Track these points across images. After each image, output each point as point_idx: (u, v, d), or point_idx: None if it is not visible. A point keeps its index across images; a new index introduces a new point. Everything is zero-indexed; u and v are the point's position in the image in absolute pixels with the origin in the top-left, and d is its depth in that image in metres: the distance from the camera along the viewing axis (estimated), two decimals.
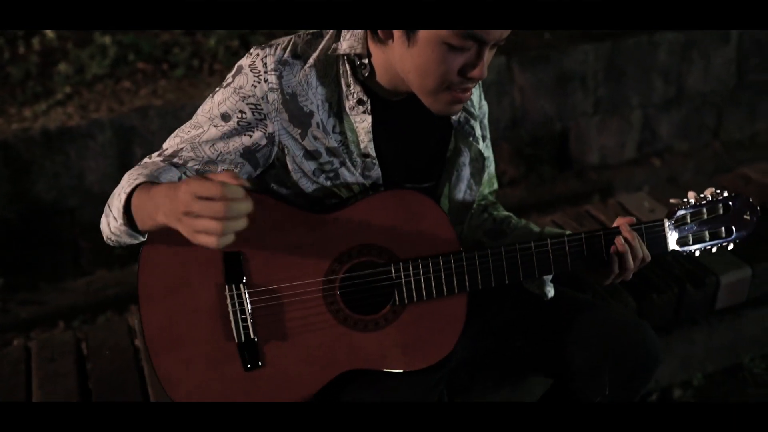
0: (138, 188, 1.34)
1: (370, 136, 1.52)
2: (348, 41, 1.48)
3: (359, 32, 1.48)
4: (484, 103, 1.76)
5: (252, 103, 1.45)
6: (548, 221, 2.65)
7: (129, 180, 1.37)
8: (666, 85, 3.86)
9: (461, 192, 1.71)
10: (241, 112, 1.46)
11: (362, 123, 1.51)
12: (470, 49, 1.35)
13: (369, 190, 1.57)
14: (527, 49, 3.64)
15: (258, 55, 1.46)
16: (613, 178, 3.77)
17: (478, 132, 1.69)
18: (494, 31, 1.33)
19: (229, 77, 1.49)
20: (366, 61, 1.48)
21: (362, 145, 1.53)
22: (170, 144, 1.51)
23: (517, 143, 3.65)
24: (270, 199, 1.50)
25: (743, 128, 4.10)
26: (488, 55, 1.38)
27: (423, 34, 1.34)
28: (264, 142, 1.49)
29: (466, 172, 1.69)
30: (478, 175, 1.71)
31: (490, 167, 1.81)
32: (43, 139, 3.04)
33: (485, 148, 1.75)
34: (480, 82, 1.71)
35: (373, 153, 1.53)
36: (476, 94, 1.72)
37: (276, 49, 1.46)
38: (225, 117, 1.46)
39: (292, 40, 1.49)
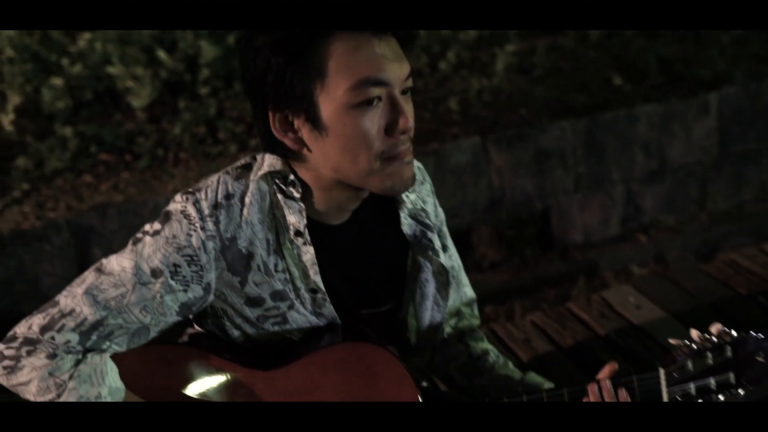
0: None
1: (316, 268, 1.35)
2: (268, 160, 1.33)
3: (279, 150, 1.33)
4: (440, 210, 1.62)
5: (188, 255, 1.28)
6: (527, 322, 2.49)
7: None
8: (648, 158, 3.76)
9: (428, 310, 1.56)
10: (175, 265, 1.28)
11: (306, 255, 1.35)
12: (380, 100, 1.23)
13: (324, 331, 1.42)
14: (503, 128, 3.53)
15: (188, 199, 1.30)
16: (599, 257, 3.63)
17: (437, 243, 1.54)
18: (390, 71, 1.23)
19: (155, 224, 1.31)
20: (292, 177, 1.32)
21: (309, 279, 1.37)
22: (81, 307, 1.26)
23: (496, 225, 3.52)
24: (209, 355, 1.36)
25: (729, 198, 3.98)
26: (404, 102, 1.26)
27: (325, 116, 1.23)
28: (201, 294, 1.32)
29: (431, 288, 1.55)
30: (444, 289, 1.56)
31: (458, 276, 1.67)
32: None
33: (447, 258, 1.60)
34: (431, 189, 1.58)
35: (322, 287, 1.37)
36: (430, 203, 1.58)
37: (206, 192, 1.31)
38: (156, 273, 1.27)
39: (221, 179, 1.33)
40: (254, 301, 1.36)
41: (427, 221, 1.53)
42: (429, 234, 1.53)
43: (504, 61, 4.04)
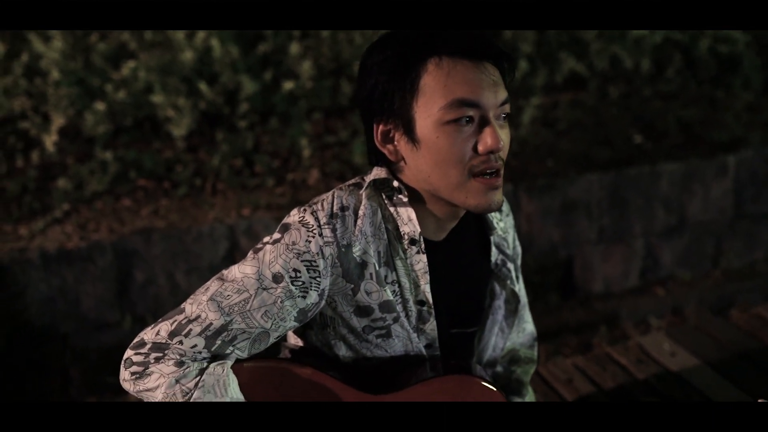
0: None
1: (427, 278, 1.44)
2: (374, 171, 1.45)
3: (381, 162, 1.47)
4: (518, 244, 1.74)
5: (307, 260, 1.36)
6: (569, 363, 2.57)
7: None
8: (668, 213, 3.88)
9: (493, 335, 1.67)
10: (295, 270, 1.36)
11: (418, 264, 1.44)
12: (473, 119, 1.34)
13: (422, 349, 1.49)
14: (533, 178, 3.65)
15: (306, 211, 1.40)
16: (618, 307, 3.72)
17: (514, 274, 1.65)
18: (484, 95, 1.33)
19: (275, 235, 1.40)
20: (396, 183, 1.42)
21: (419, 290, 1.45)
22: (207, 313, 1.33)
23: (523, 271, 3.60)
24: (319, 373, 1.40)
25: (742, 257, 4.11)
26: (497, 126, 1.35)
27: (420, 130, 1.35)
28: (316, 300, 1.39)
29: (500, 314, 1.66)
30: (511, 316, 1.67)
31: (522, 311, 1.76)
32: (41, 262, 2.91)
33: (519, 290, 1.70)
34: (513, 223, 1.70)
35: (430, 299, 1.46)
36: (511, 235, 1.69)
37: (322, 204, 1.41)
38: (277, 278, 1.35)
39: (335, 194, 1.43)
40: (363, 311, 1.43)
41: (508, 251, 1.64)
42: (509, 264, 1.64)
43: (530, 114, 4.18)
